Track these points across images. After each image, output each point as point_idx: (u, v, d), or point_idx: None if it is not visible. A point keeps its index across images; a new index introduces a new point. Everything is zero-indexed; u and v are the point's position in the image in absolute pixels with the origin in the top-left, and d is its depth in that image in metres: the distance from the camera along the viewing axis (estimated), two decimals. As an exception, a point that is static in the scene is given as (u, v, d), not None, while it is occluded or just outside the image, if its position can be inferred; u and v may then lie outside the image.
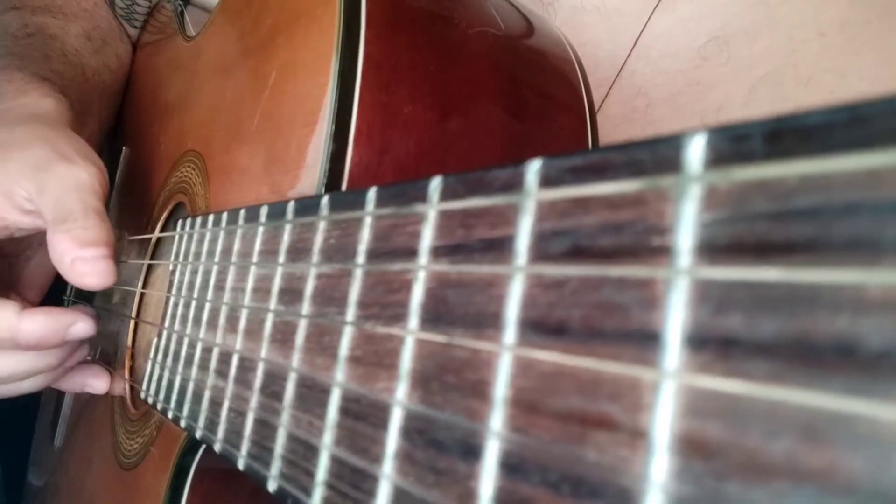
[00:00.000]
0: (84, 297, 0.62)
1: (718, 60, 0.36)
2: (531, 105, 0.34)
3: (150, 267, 0.50)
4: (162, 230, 0.49)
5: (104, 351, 0.54)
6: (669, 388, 0.11)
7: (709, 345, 0.11)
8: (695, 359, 0.11)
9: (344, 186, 0.29)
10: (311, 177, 0.30)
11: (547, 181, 0.15)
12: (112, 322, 0.55)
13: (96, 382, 0.48)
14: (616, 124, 0.42)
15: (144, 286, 0.50)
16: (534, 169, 0.15)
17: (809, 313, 0.10)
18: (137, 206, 0.55)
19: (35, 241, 0.50)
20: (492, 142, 0.32)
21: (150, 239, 0.50)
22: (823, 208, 0.10)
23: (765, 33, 0.34)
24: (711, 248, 0.11)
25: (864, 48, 0.31)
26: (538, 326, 0.14)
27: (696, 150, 0.12)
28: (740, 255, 0.11)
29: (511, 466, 0.14)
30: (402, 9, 0.32)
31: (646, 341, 0.12)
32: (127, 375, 0.48)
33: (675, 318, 0.11)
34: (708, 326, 0.11)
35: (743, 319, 0.11)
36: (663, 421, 0.11)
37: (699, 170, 0.12)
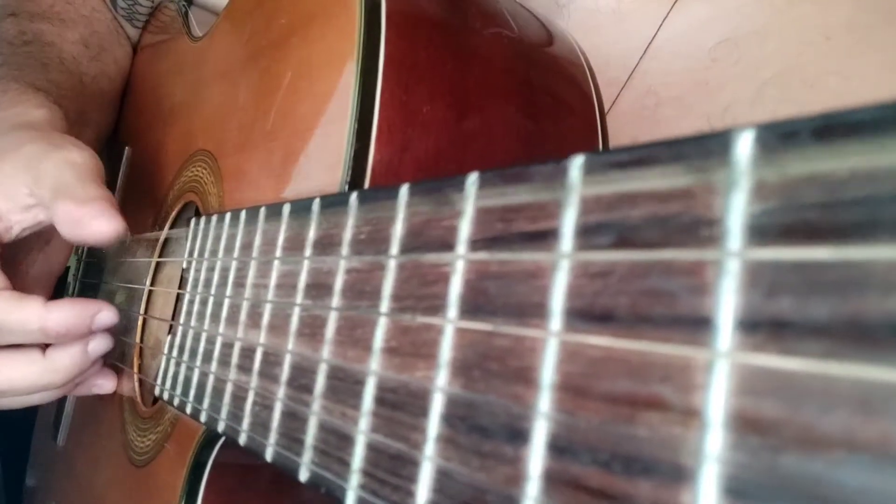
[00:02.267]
0: (87, 297, 0.62)
1: (728, 62, 0.37)
2: (545, 106, 0.35)
3: (157, 266, 0.50)
4: (171, 229, 0.49)
5: (109, 350, 0.54)
6: (723, 367, 0.12)
7: (761, 327, 0.12)
8: (747, 341, 0.12)
9: (366, 185, 0.29)
10: (331, 175, 0.31)
11: (591, 176, 0.15)
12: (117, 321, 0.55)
13: (104, 383, 0.48)
14: (625, 122, 0.43)
15: (152, 285, 0.50)
16: (577, 164, 0.16)
17: (861, 294, 0.10)
18: (143, 205, 0.56)
19: (37, 243, 0.50)
20: (507, 141, 0.33)
21: (158, 238, 0.50)
22: (873, 197, 0.11)
23: (774, 35, 0.36)
24: (762, 234, 0.12)
25: (868, 52, 0.32)
26: (585, 314, 0.15)
27: (744, 146, 0.12)
28: (791, 239, 0.11)
29: (560, 448, 0.15)
30: (420, 8, 0.33)
31: (696, 325, 0.13)
32: (136, 373, 0.49)
33: (727, 303, 0.12)
34: (760, 310, 0.12)
35: (795, 302, 0.11)
36: (717, 399, 0.12)
37: (748, 165, 0.12)
